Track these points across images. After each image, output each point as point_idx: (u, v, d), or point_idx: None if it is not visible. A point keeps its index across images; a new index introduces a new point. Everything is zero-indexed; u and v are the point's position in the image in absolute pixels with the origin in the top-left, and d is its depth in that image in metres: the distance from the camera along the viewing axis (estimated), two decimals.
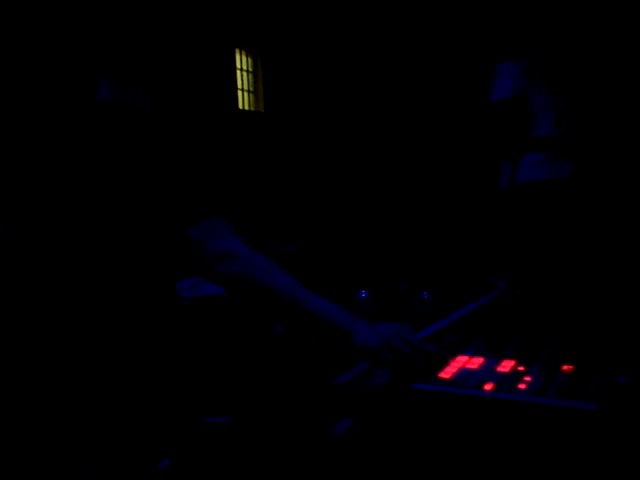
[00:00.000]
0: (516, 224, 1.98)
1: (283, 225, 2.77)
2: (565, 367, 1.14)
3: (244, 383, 1.68)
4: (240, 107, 8.32)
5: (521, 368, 1.14)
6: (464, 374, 1.13)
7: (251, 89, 8.66)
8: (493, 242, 2.17)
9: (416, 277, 2.23)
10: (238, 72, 8.39)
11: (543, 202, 1.97)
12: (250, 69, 8.68)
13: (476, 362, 1.18)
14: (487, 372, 1.13)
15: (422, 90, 5.65)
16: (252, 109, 8.57)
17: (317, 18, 7.80)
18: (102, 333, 1.37)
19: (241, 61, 8.47)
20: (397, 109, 5.70)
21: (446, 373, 1.14)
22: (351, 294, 2.09)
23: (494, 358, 1.20)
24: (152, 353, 1.50)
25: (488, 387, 1.06)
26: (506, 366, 1.15)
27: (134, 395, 1.40)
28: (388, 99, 6.11)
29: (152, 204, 1.36)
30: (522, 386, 1.05)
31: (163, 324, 1.56)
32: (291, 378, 1.62)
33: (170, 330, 1.61)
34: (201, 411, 1.46)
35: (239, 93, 8.36)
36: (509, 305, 1.87)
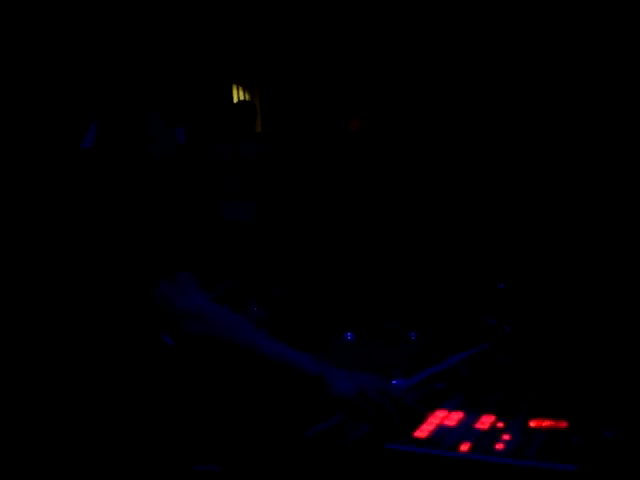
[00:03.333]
0: (505, 263, 1.96)
1: (268, 266, 2.75)
2: (546, 423, 1.10)
3: (232, 429, 1.64)
4: None
5: (500, 424, 1.10)
6: (441, 432, 1.09)
7: None
8: (483, 280, 2.14)
9: (405, 316, 2.19)
10: None
11: None
12: None
13: (454, 418, 1.14)
14: (465, 430, 1.09)
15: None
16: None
17: (313, 54, 7.89)
18: (84, 383, 1.33)
19: (238, 96, 8.55)
20: (388, 148, 5.74)
21: (422, 431, 1.10)
22: (338, 335, 2.05)
23: (473, 413, 1.16)
24: (137, 402, 1.46)
25: (464, 447, 1.02)
26: (485, 422, 1.11)
27: (121, 444, 1.36)
28: (378, 137, 6.14)
29: (126, 257, 1.33)
30: (500, 446, 1.01)
31: (147, 373, 1.52)
32: (278, 426, 1.58)
33: (155, 379, 1.57)
34: (190, 459, 1.42)
35: None
36: (499, 343, 1.83)
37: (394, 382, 1.52)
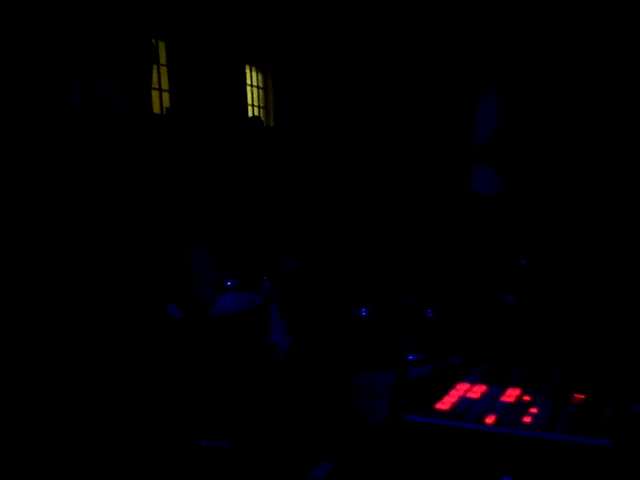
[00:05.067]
0: (524, 237, 1.89)
1: (287, 240, 2.69)
2: (576, 396, 1.04)
3: (242, 406, 1.59)
4: None
5: (527, 398, 1.04)
6: (464, 404, 1.03)
7: (261, 104, 8.65)
8: (502, 256, 2.07)
9: (421, 292, 2.13)
10: (248, 88, 8.38)
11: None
12: (260, 85, 8.68)
13: (478, 390, 1.08)
14: (489, 402, 1.03)
15: (431, 104, 5.60)
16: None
17: (326, 35, 7.78)
18: (94, 357, 1.30)
19: (251, 77, 8.47)
20: (403, 127, 5.66)
21: (444, 403, 1.04)
22: (352, 310, 1.99)
23: (498, 386, 1.10)
24: (145, 374, 1.43)
25: (490, 420, 0.96)
26: (511, 395, 1.05)
27: (130, 419, 1.33)
28: (397, 116, 6.05)
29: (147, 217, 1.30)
30: (527, 419, 0.95)
31: (154, 343, 1.49)
32: (290, 402, 1.53)
33: (162, 350, 1.54)
34: (198, 434, 1.38)
35: (249, 109, 8.35)
36: (518, 323, 1.76)
37: (410, 357, 1.46)
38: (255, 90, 8.62)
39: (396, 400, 1.18)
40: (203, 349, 2.11)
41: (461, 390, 1.09)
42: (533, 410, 0.98)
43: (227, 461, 1.26)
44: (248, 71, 8.40)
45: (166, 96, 6.81)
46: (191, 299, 1.45)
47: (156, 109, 6.38)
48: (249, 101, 8.41)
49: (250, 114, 8.30)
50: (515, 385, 1.09)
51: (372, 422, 1.20)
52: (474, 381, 1.14)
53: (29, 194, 1.23)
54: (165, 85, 6.80)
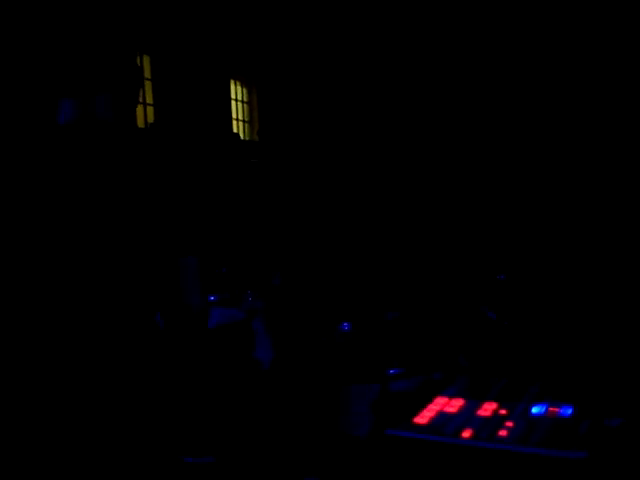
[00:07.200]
0: (504, 253, 1.92)
1: (270, 254, 2.71)
2: (551, 409, 1.06)
3: (228, 421, 1.60)
4: None
5: (503, 411, 1.06)
6: (442, 418, 1.05)
7: (246, 119, 8.68)
8: (482, 271, 2.10)
9: (403, 308, 2.15)
10: (233, 102, 8.40)
11: None
12: (245, 99, 8.70)
13: (455, 405, 1.10)
14: (466, 416, 1.05)
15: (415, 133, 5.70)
16: (247, 138, 8.57)
17: (311, 49, 7.85)
18: (79, 372, 1.30)
19: (236, 92, 8.50)
20: (386, 143, 5.73)
21: (422, 417, 1.06)
22: (335, 325, 2.01)
23: (475, 400, 1.12)
24: (132, 389, 1.43)
25: (466, 434, 0.98)
26: (487, 409, 1.07)
27: (115, 436, 1.33)
28: (379, 131, 6.12)
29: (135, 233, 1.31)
30: (503, 432, 0.97)
31: (141, 356, 1.49)
32: (276, 418, 1.54)
33: (148, 362, 1.54)
34: (183, 451, 1.38)
35: (234, 123, 8.37)
36: (498, 337, 1.79)
37: (391, 371, 1.48)
38: (240, 104, 8.65)
39: (378, 414, 1.19)
40: (186, 364, 2.10)
41: (439, 404, 1.11)
42: (509, 424, 1.00)
43: (212, 477, 1.26)
44: (233, 85, 8.43)
45: (150, 110, 6.81)
46: (183, 309, 1.46)
47: (140, 123, 6.38)
48: (233, 115, 8.43)
49: (234, 128, 8.33)
50: (492, 399, 1.12)
51: (357, 436, 1.21)
52: (452, 395, 1.15)
53: (21, 204, 1.24)
54: (149, 99, 6.80)
